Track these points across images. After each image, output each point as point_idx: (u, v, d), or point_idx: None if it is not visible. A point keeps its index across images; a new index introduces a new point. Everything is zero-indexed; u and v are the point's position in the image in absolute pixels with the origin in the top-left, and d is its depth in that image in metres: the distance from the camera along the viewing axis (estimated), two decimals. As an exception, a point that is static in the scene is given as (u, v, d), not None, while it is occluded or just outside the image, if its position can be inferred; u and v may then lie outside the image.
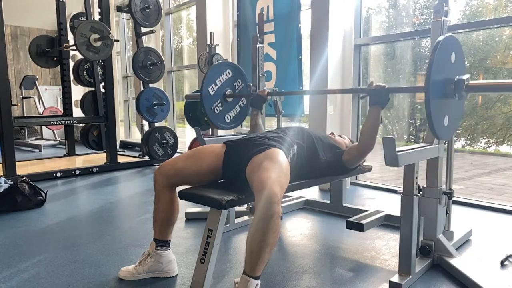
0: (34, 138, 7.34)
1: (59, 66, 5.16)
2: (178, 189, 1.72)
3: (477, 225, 2.40)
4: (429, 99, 1.44)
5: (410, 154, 1.63)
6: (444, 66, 1.54)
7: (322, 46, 3.37)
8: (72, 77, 5.24)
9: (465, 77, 1.56)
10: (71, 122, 4.60)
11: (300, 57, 3.80)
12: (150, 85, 4.78)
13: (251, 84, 2.63)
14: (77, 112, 5.41)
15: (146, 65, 4.70)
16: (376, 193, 3.34)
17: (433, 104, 1.47)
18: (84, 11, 4.99)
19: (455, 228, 2.14)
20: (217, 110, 2.52)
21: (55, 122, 4.62)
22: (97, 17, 4.60)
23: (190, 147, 3.97)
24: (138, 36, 4.75)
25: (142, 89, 4.75)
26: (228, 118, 2.60)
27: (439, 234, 1.89)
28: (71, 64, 5.30)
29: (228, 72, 2.54)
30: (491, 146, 4.72)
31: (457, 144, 4.47)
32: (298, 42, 3.78)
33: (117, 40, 4.77)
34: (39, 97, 7.09)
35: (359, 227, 2.09)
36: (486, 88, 1.71)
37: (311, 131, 2.00)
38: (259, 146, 1.66)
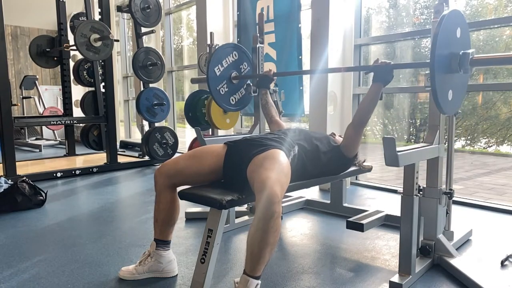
0: (34, 138, 7.34)
1: (59, 66, 5.16)
2: (179, 189, 1.72)
3: (477, 225, 2.40)
4: (434, 73, 1.44)
5: (410, 154, 1.63)
6: (450, 41, 1.54)
7: (322, 46, 3.36)
8: (72, 77, 5.23)
9: (471, 51, 1.56)
10: (71, 122, 4.61)
11: (300, 57, 3.79)
12: (150, 85, 4.78)
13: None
14: (77, 112, 5.40)
15: (146, 65, 4.70)
16: (376, 193, 3.34)
17: (438, 79, 1.47)
18: (84, 11, 4.99)
19: (455, 228, 2.14)
20: (222, 91, 2.51)
21: (55, 122, 4.62)
22: (97, 17, 4.60)
23: (190, 147, 3.97)
24: (138, 36, 4.75)
25: (142, 89, 4.75)
26: (233, 100, 2.60)
27: (439, 234, 1.90)
28: (71, 64, 5.30)
29: (235, 54, 2.53)
30: (491, 146, 4.72)
31: (457, 144, 4.47)
32: (298, 42, 3.78)
33: (117, 40, 4.77)
34: (39, 97, 7.09)
35: (359, 227, 2.09)
36: (490, 61, 1.71)
37: (312, 132, 2.01)
38: (260, 147, 1.66)
